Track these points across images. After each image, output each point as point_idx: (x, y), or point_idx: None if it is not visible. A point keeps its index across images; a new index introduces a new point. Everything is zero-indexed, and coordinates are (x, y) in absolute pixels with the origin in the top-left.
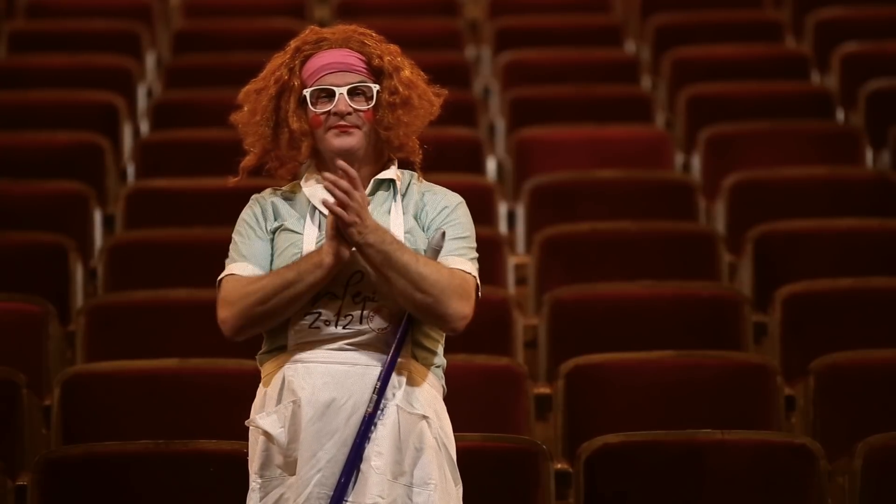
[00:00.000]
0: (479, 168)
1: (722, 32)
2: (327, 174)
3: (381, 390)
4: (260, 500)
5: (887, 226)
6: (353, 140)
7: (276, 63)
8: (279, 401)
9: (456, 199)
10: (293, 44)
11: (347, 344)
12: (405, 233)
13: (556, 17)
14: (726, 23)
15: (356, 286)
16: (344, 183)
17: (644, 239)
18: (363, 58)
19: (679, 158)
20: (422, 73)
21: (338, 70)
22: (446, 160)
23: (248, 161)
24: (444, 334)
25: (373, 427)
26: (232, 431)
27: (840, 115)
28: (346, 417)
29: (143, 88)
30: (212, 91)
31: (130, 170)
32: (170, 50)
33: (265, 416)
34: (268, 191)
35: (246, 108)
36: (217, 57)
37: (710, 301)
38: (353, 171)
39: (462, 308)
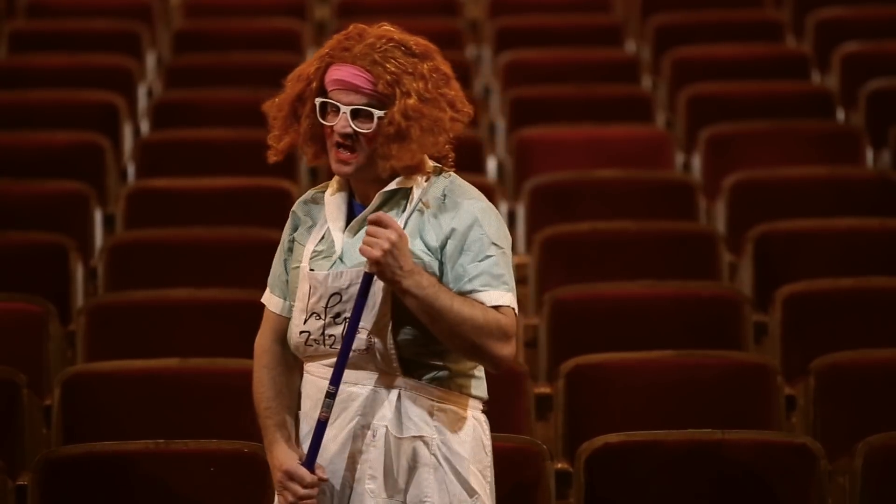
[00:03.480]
0: (480, 168)
1: (722, 32)
2: (368, 227)
3: (332, 394)
4: None
5: (887, 226)
6: (349, 169)
7: (316, 55)
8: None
9: (469, 216)
10: (331, 41)
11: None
12: None
13: (556, 17)
14: (726, 23)
15: (335, 307)
16: (374, 228)
17: (644, 239)
18: (372, 79)
19: (679, 158)
20: (451, 90)
21: (345, 88)
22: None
23: (282, 144)
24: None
25: (365, 449)
26: (232, 431)
27: (840, 114)
28: (335, 435)
29: (144, 88)
30: (212, 91)
31: (131, 169)
32: (170, 50)
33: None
34: (308, 192)
35: (277, 100)
36: (217, 57)
37: (710, 301)
38: (380, 217)
39: (499, 350)
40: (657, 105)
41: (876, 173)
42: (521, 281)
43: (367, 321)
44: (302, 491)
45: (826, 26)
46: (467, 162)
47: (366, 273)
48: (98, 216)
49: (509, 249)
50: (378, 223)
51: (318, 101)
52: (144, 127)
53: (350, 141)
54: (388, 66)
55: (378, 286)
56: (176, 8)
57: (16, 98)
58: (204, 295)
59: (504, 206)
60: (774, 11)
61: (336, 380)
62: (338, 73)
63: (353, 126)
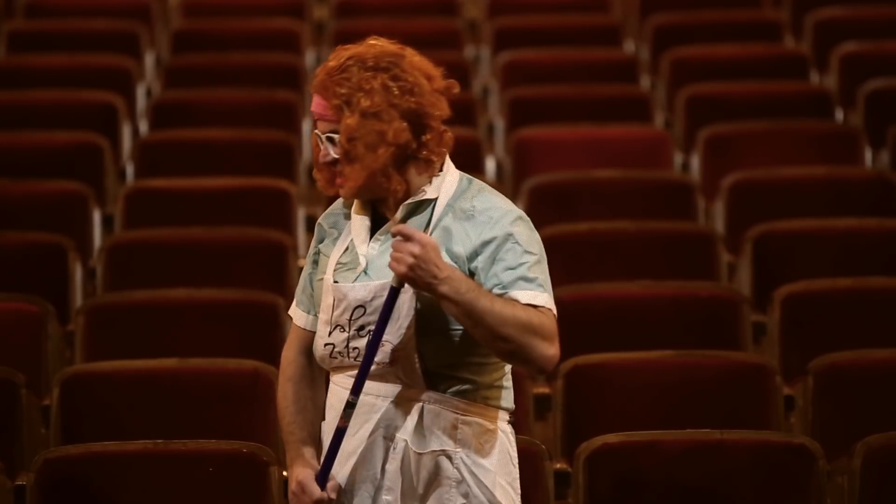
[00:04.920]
0: (479, 168)
1: (721, 32)
2: (393, 242)
3: (351, 404)
4: None
5: (886, 226)
6: (344, 192)
7: None
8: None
9: (500, 227)
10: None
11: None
12: None
13: (555, 17)
14: (725, 23)
15: (359, 320)
16: (398, 242)
17: (643, 239)
18: (327, 104)
19: (678, 158)
20: (414, 97)
21: (316, 117)
22: None
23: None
24: (488, 357)
25: (385, 461)
26: (231, 431)
27: (839, 114)
28: (357, 446)
29: (143, 88)
30: (211, 91)
31: (129, 170)
32: (169, 50)
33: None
34: (335, 204)
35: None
36: (216, 57)
37: (709, 301)
38: (401, 230)
39: (545, 350)
40: (656, 105)
41: (874, 173)
42: None
43: (391, 334)
44: None
45: (825, 26)
46: (465, 162)
47: (392, 287)
48: (97, 216)
49: (543, 256)
50: (401, 236)
51: (315, 132)
52: (143, 127)
53: (338, 166)
54: (338, 89)
55: (403, 299)
56: (175, 8)
57: (15, 98)
58: (203, 295)
59: None
60: (773, 11)
61: (356, 390)
62: (313, 102)
63: (331, 153)
